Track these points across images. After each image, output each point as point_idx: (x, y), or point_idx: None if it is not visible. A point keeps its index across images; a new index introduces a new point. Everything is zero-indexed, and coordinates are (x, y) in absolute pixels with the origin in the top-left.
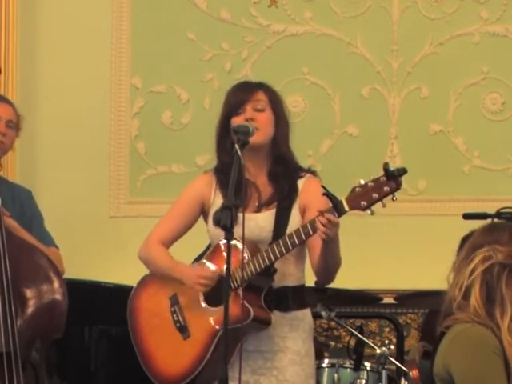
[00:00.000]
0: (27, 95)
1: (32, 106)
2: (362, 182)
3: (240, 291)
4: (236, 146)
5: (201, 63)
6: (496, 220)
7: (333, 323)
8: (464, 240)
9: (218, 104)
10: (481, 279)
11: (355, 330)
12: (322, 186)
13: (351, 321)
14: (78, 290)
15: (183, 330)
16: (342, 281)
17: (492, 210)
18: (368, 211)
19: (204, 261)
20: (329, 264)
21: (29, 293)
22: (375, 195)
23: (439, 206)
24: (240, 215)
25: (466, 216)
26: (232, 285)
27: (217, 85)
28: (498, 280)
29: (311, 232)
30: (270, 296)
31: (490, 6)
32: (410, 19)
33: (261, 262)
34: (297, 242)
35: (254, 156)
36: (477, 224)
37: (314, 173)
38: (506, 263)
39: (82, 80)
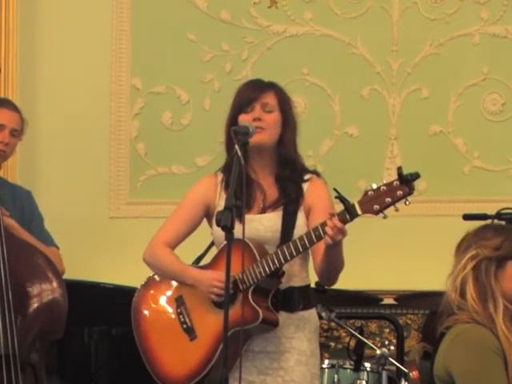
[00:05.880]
0: (27, 95)
1: (32, 106)
2: (375, 185)
3: (249, 293)
4: (236, 146)
5: (201, 64)
6: (496, 221)
7: (333, 324)
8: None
9: (218, 105)
10: (472, 277)
11: (355, 330)
12: (335, 189)
13: (351, 321)
14: (77, 290)
15: (190, 331)
16: (342, 281)
17: (492, 211)
18: (381, 215)
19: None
20: (332, 267)
21: (28, 293)
22: (388, 199)
23: (439, 206)
24: (247, 216)
25: (466, 217)
26: (241, 286)
27: (217, 85)
28: (487, 275)
29: (322, 235)
30: (276, 297)
31: (490, 6)
32: (410, 20)
33: (270, 264)
34: (308, 245)
35: (259, 157)
36: (477, 225)
37: (318, 174)
38: (492, 256)
39: (81, 80)
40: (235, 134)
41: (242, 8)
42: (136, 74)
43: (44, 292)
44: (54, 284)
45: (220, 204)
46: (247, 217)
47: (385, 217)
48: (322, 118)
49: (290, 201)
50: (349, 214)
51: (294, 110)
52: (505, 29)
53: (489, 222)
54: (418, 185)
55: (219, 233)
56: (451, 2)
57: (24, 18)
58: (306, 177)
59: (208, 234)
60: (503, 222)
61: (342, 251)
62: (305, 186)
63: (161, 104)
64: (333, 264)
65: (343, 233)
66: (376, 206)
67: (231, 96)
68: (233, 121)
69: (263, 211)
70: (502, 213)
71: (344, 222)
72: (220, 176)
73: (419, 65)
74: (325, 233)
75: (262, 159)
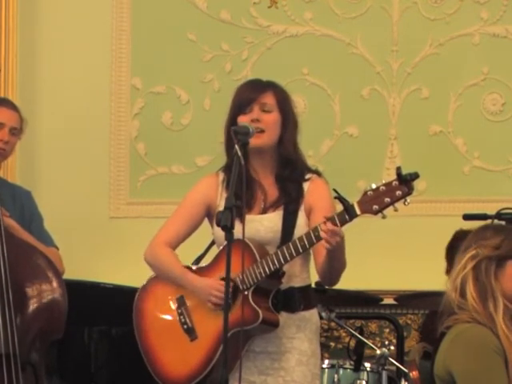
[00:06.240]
0: (27, 95)
1: (32, 106)
2: (374, 185)
3: (249, 293)
4: (236, 146)
5: (201, 64)
6: (496, 221)
7: (333, 324)
8: (448, 247)
9: (218, 105)
10: (472, 276)
11: (355, 330)
12: (334, 190)
13: (351, 321)
14: (77, 290)
15: (190, 331)
16: (342, 281)
17: (492, 211)
18: (379, 215)
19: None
20: (334, 268)
21: (28, 293)
22: (387, 199)
23: (439, 206)
24: (247, 216)
25: (466, 217)
26: (241, 286)
27: (217, 85)
28: (487, 274)
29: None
30: (277, 297)
31: (490, 6)
32: (410, 20)
33: (270, 264)
34: (307, 246)
35: (260, 157)
36: (477, 225)
37: (319, 173)
38: (491, 255)
39: (81, 80)
40: (235, 134)
41: (242, 8)
42: (136, 73)
43: (44, 292)
44: (54, 284)
45: (221, 204)
46: (248, 217)
47: (384, 217)
48: (322, 118)
49: (290, 200)
50: (348, 214)
51: (293, 109)
52: (505, 29)
53: (489, 222)
54: (418, 185)
55: (220, 233)
56: (451, 1)
57: (24, 18)
58: (307, 176)
59: (208, 234)
60: (503, 222)
61: (344, 253)
62: (305, 185)
63: (161, 104)
64: (334, 265)
65: (339, 235)
66: (375, 206)
67: (231, 96)
68: (232, 121)
69: (264, 211)
70: (502, 213)
71: (343, 222)
72: (221, 176)
73: (419, 65)
74: None
75: (263, 159)
